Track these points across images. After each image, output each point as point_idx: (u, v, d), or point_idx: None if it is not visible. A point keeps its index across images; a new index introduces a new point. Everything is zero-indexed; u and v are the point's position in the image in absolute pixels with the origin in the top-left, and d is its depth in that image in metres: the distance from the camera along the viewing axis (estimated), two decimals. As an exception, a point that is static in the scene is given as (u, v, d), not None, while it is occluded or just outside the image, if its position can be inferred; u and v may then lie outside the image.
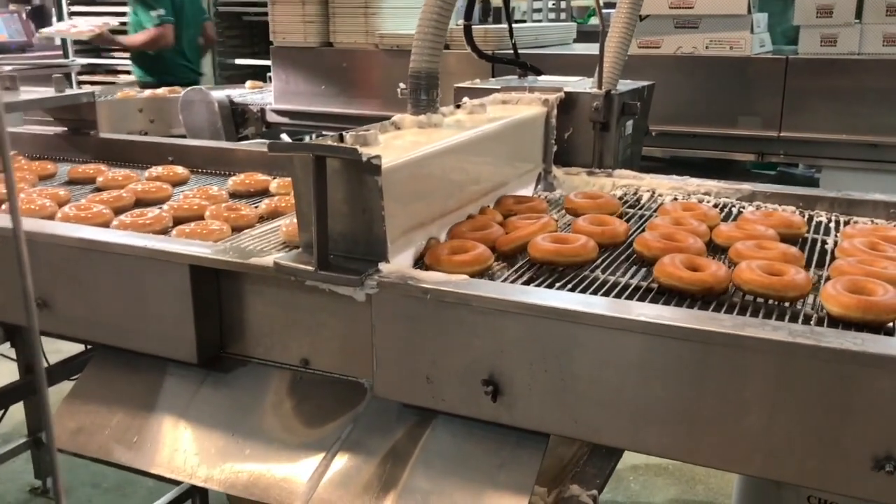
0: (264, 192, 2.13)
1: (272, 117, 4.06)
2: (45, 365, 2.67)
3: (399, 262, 1.42)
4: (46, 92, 2.49)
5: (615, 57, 2.19)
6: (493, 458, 1.31)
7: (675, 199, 1.96)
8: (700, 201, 1.93)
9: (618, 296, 1.37)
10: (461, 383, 1.29)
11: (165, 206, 1.96)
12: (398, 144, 1.59)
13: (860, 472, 1.07)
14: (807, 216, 1.81)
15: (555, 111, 2.12)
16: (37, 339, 0.77)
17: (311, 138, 1.51)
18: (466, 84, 2.36)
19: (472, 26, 2.38)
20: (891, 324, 1.26)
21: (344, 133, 1.49)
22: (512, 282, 1.44)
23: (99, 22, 4.99)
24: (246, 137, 3.94)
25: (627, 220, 1.78)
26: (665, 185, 2.02)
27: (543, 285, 1.42)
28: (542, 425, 1.27)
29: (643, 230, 1.68)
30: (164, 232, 1.78)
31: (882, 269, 1.39)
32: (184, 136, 3.74)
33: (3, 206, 1.88)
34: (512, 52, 2.53)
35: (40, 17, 6.26)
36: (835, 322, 1.28)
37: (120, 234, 1.64)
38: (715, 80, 3.19)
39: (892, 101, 2.91)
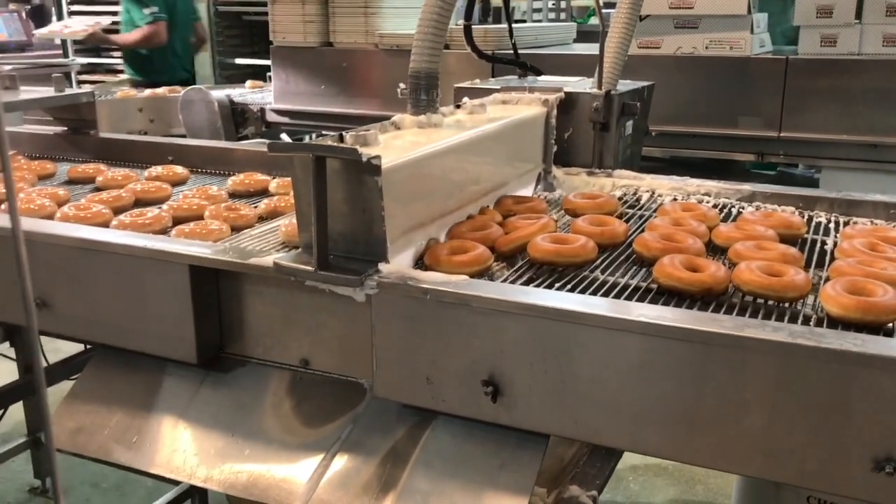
0: (264, 192, 2.13)
1: (272, 117, 4.06)
2: (45, 365, 2.67)
3: (399, 263, 1.42)
4: (46, 91, 2.49)
5: (615, 57, 2.19)
6: (493, 459, 1.31)
7: (675, 199, 1.96)
8: (700, 202, 1.93)
9: (617, 296, 1.37)
10: (461, 384, 1.29)
11: (165, 206, 1.96)
12: (398, 144, 1.59)
13: (860, 473, 1.07)
14: (806, 217, 1.81)
15: (555, 111, 2.11)
16: (35, 339, 0.77)
17: (310, 138, 1.51)
18: (466, 84, 2.36)
19: (472, 26, 2.38)
20: (890, 325, 1.26)
21: (344, 133, 1.49)
22: (511, 282, 1.44)
23: (91, 21, 4.99)
24: (246, 137, 3.94)
25: (627, 221, 1.78)
26: (665, 186, 2.02)
27: (543, 286, 1.42)
28: (542, 426, 1.27)
29: (643, 230, 1.68)
30: (164, 232, 1.78)
31: (881, 270, 1.39)
32: (183, 136, 3.74)
33: (3, 206, 1.88)
34: (512, 52, 2.53)
35: (40, 17, 6.25)
36: (834, 323, 1.28)
37: (119, 234, 1.64)
38: (715, 80, 3.19)
39: (892, 102, 2.91)
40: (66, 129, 2.61)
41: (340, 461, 1.39)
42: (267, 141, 1.43)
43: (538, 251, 1.50)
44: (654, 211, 1.86)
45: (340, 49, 3.90)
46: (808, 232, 1.71)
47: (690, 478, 3.17)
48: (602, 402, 1.20)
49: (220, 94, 3.98)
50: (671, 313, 1.21)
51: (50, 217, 1.84)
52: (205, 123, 3.86)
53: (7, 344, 2.53)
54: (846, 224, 1.77)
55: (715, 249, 1.63)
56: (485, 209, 1.78)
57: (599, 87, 2.16)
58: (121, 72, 5.80)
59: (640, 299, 1.36)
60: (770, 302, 1.36)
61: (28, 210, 1.86)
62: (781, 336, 1.09)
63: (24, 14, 6.17)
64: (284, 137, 3.26)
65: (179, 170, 2.30)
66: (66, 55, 5.66)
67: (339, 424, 1.44)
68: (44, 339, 2.28)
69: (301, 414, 1.49)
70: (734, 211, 1.88)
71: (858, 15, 3.09)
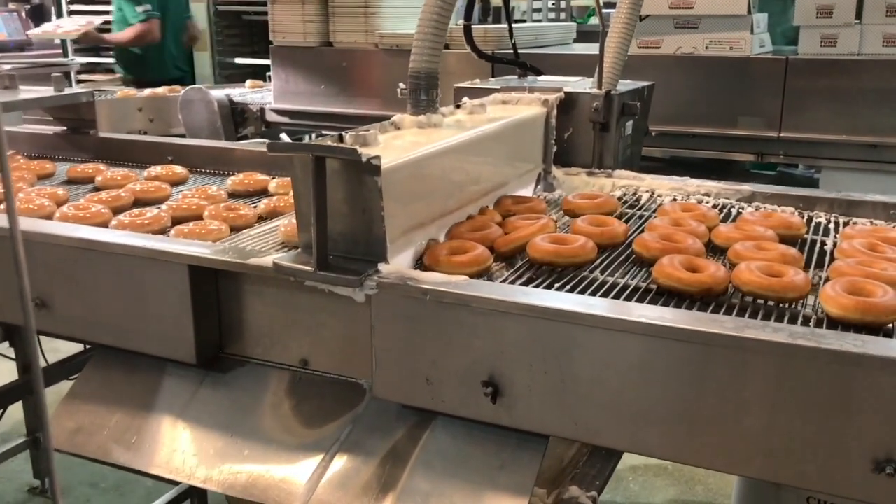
0: (263, 192, 2.13)
1: (272, 117, 4.06)
2: (44, 365, 2.66)
3: (399, 263, 1.41)
4: (45, 91, 2.49)
5: (615, 57, 2.19)
6: (493, 460, 1.31)
7: (675, 199, 1.96)
8: (700, 202, 1.93)
9: (617, 296, 1.37)
10: (461, 384, 1.29)
11: (164, 206, 1.96)
12: (398, 144, 1.59)
13: (860, 474, 1.07)
14: (806, 217, 1.81)
15: (555, 111, 2.11)
16: (33, 340, 0.77)
17: (310, 138, 1.50)
18: (466, 84, 2.36)
19: (472, 26, 2.38)
20: (890, 325, 1.26)
21: (343, 133, 1.48)
22: (511, 282, 1.44)
23: (84, 21, 4.98)
24: (245, 137, 3.94)
25: (626, 221, 1.78)
26: (665, 186, 2.01)
27: (542, 286, 1.42)
28: (542, 427, 1.27)
29: (642, 231, 1.68)
30: (163, 232, 1.78)
31: (881, 271, 1.39)
32: (183, 136, 3.74)
33: (1, 206, 1.87)
34: (512, 52, 2.53)
35: (39, 16, 6.25)
36: (834, 323, 1.27)
37: (119, 234, 1.64)
38: (715, 80, 3.19)
39: (892, 102, 2.91)
40: (65, 128, 2.61)
41: (340, 462, 1.39)
42: (266, 141, 1.43)
43: (538, 251, 1.49)
44: (654, 211, 1.86)
45: (340, 49, 3.90)
46: (807, 232, 1.71)
47: (690, 478, 3.17)
48: (602, 402, 1.20)
49: (219, 93, 3.98)
50: (671, 314, 1.21)
51: (49, 217, 1.84)
52: (204, 123, 3.86)
53: (7, 344, 2.53)
54: (846, 224, 1.77)
55: (714, 250, 1.63)
56: (484, 209, 1.78)
57: (599, 87, 2.15)
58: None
59: (640, 300, 1.36)
60: (769, 302, 1.36)
61: (27, 210, 1.85)
62: (782, 337, 1.09)
63: (23, 13, 6.17)
64: (284, 137, 3.25)
65: (179, 170, 2.30)
66: (65, 55, 5.66)
67: (338, 425, 1.44)
68: (43, 338, 2.27)
69: (300, 414, 1.49)
70: (734, 211, 1.88)
71: (858, 15, 3.09)
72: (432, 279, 1.29)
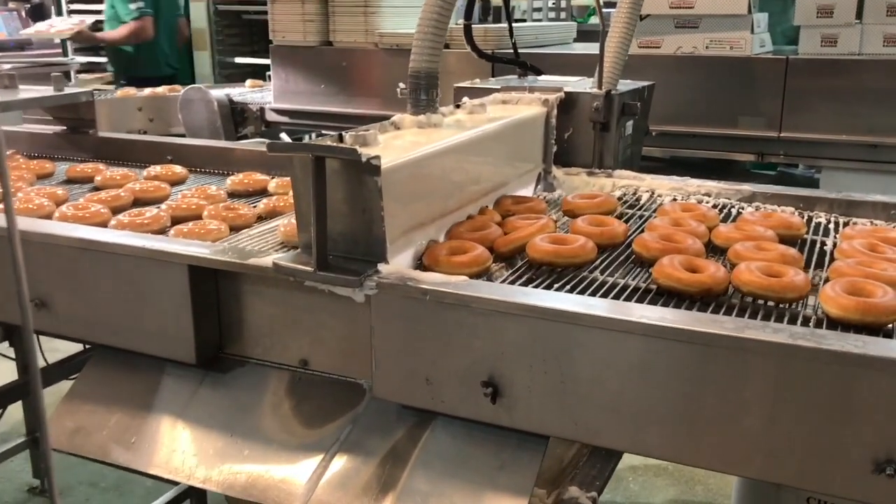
0: (262, 192, 2.12)
1: (271, 116, 4.05)
2: (44, 364, 2.66)
3: (398, 263, 1.41)
4: (45, 90, 2.49)
5: (615, 57, 2.19)
6: (493, 460, 1.30)
7: (675, 199, 1.96)
8: (700, 202, 1.93)
9: (616, 297, 1.37)
10: (461, 385, 1.29)
11: (163, 206, 1.96)
12: (398, 144, 1.59)
13: (860, 475, 1.07)
14: (806, 217, 1.81)
15: (555, 111, 2.11)
16: (31, 340, 0.76)
17: (310, 138, 1.50)
18: (466, 84, 2.36)
19: (472, 25, 2.38)
20: (890, 326, 1.26)
21: (343, 133, 1.48)
22: (511, 283, 1.44)
23: (76, 20, 4.99)
24: (245, 137, 3.94)
25: (626, 221, 1.78)
26: (665, 186, 2.01)
27: (542, 286, 1.41)
28: (542, 427, 1.27)
29: (642, 231, 1.68)
30: (162, 231, 1.78)
31: (881, 271, 1.39)
32: (183, 136, 3.74)
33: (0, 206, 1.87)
34: (512, 51, 2.52)
35: (39, 15, 6.25)
36: (833, 324, 1.27)
37: (119, 234, 1.64)
38: (715, 80, 3.19)
39: (893, 102, 2.91)
40: (65, 128, 2.61)
41: (340, 462, 1.39)
42: (266, 140, 1.42)
43: (537, 251, 1.49)
44: (654, 211, 1.86)
45: (340, 48, 3.90)
46: (807, 232, 1.71)
47: (690, 478, 3.17)
48: (602, 403, 1.20)
49: (219, 93, 3.97)
50: (672, 314, 1.20)
51: (48, 217, 1.84)
52: (204, 123, 3.86)
53: (7, 343, 2.53)
54: (846, 225, 1.77)
55: (714, 250, 1.62)
56: (484, 209, 1.78)
57: (600, 87, 2.15)
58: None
59: (640, 300, 1.36)
60: (769, 303, 1.36)
61: (26, 209, 1.85)
62: (782, 337, 1.09)
63: (23, 13, 6.17)
64: (284, 137, 3.25)
65: (178, 169, 2.30)
66: (65, 54, 5.66)
67: (338, 425, 1.44)
68: (43, 338, 2.27)
69: (300, 414, 1.49)
70: (734, 211, 1.88)
71: (859, 15, 3.08)
72: (432, 279, 1.29)
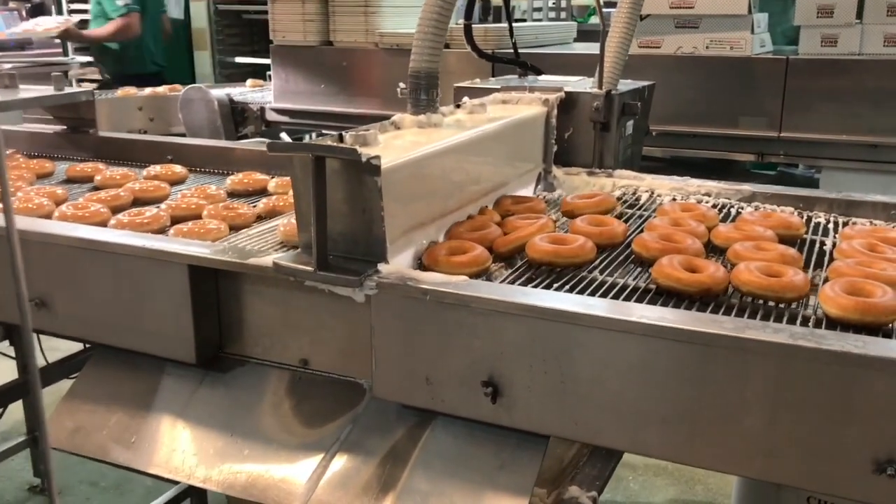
0: (262, 192, 2.12)
1: (272, 116, 4.06)
2: (44, 364, 2.66)
3: (398, 263, 1.41)
4: (45, 90, 2.49)
5: (616, 57, 2.19)
6: (493, 460, 1.30)
7: (674, 199, 1.96)
8: (699, 202, 1.93)
9: (616, 297, 1.37)
10: (461, 384, 1.29)
11: (163, 206, 1.96)
12: (398, 144, 1.59)
13: (861, 475, 1.07)
14: (805, 217, 1.81)
15: (555, 111, 2.11)
16: (30, 339, 0.76)
17: (310, 138, 1.50)
18: (466, 84, 2.35)
19: (473, 25, 2.38)
20: (889, 325, 1.26)
21: (343, 133, 1.48)
22: (510, 283, 1.44)
23: (61, 19, 4.99)
24: (245, 136, 3.94)
25: (626, 221, 1.78)
26: (665, 186, 2.01)
27: (541, 286, 1.41)
28: (542, 427, 1.27)
29: (641, 231, 1.68)
30: (162, 231, 1.78)
31: (880, 271, 1.39)
32: (183, 135, 3.74)
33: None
34: (512, 51, 2.52)
35: (40, 14, 6.25)
36: (833, 324, 1.27)
37: (119, 234, 1.64)
38: (715, 80, 3.19)
39: (893, 102, 2.91)
40: (65, 127, 2.61)
41: (340, 461, 1.39)
42: (266, 140, 1.42)
43: (537, 251, 1.49)
44: (654, 211, 1.86)
45: (340, 48, 3.90)
46: (807, 232, 1.71)
47: (690, 478, 3.17)
48: (602, 403, 1.20)
49: (219, 92, 3.98)
50: (672, 314, 1.20)
51: (48, 216, 1.84)
52: (204, 122, 3.86)
53: (7, 343, 2.53)
54: (845, 224, 1.77)
55: (714, 250, 1.62)
56: (484, 209, 1.78)
57: (600, 87, 2.15)
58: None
59: (639, 300, 1.36)
60: (769, 303, 1.36)
61: (26, 209, 1.85)
62: (782, 338, 1.09)
63: (24, 12, 6.17)
64: (284, 137, 3.25)
65: (178, 169, 2.30)
66: (65, 53, 5.66)
67: (338, 425, 1.44)
68: (43, 337, 2.27)
69: (300, 414, 1.49)
70: (733, 211, 1.88)
71: (859, 15, 3.08)
72: (432, 279, 1.29)
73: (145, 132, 3.68)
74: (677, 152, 3.38)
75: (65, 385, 1.95)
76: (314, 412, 1.48)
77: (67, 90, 2.52)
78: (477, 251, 1.48)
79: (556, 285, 1.42)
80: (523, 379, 1.24)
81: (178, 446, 1.49)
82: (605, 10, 2.23)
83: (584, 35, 4.48)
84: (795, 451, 1.11)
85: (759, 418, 1.11)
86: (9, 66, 4.10)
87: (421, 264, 1.49)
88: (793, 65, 3.04)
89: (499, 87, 2.23)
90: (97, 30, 4.92)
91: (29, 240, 1.60)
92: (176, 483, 2.37)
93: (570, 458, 1.73)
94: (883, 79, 2.93)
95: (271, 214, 1.92)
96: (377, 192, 1.32)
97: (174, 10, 6.04)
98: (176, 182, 2.23)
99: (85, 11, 5.68)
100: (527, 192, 2.03)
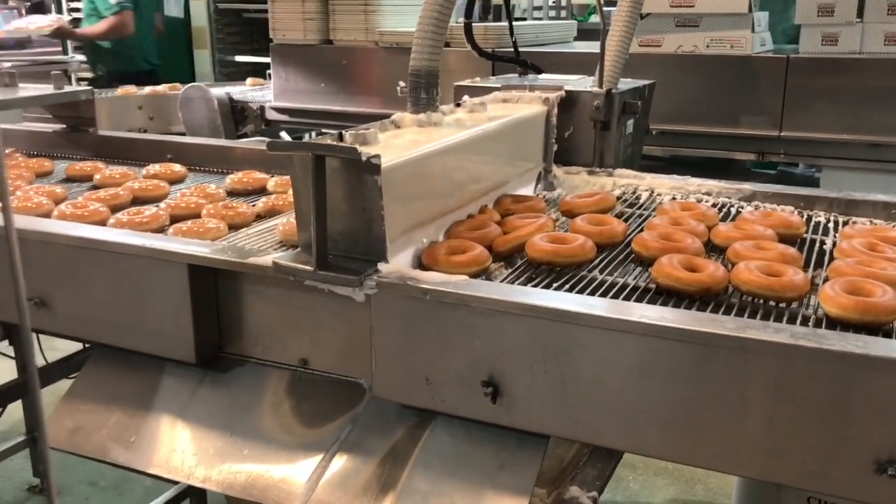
0: (262, 191, 2.12)
1: (271, 115, 4.05)
2: (43, 363, 2.66)
3: (399, 262, 1.41)
4: (45, 89, 2.49)
5: (616, 55, 2.18)
6: (493, 460, 1.30)
7: (674, 198, 1.96)
8: (699, 201, 1.92)
9: (616, 296, 1.37)
10: (461, 384, 1.29)
11: (162, 205, 1.95)
12: (398, 143, 1.58)
13: (862, 475, 1.07)
14: (805, 216, 1.80)
15: (555, 110, 2.11)
16: (29, 338, 0.76)
17: (310, 137, 1.50)
18: (466, 82, 2.35)
19: (473, 24, 2.38)
20: (889, 325, 1.26)
21: (343, 132, 1.48)
22: (510, 282, 1.43)
23: (53, 17, 4.98)
24: (245, 135, 3.93)
25: (626, 220, 1.78)
26: (665, 185, 2.01)
27: (541, 285, 1.41)
28: (542, 427, 1.27)
29: (641, 230, 1.67)
30: (161, 230, 1.78)
31: (881, 270, 1.39)
32: (183, 134, 3.74)
33: None
34: (512, 50, 2.52)
35: (40, 13, 6.25)
36: (833, 323, 1.27)
37: (118, 233, 1.64)
38: (716, 79, 3.19)
39: (894, 101, 2.90)
40: (64, 126, 2.60)
41: (339, 461, 1.39)
42: (266, 139, 1.42)
43: (536, 251, 1.49)
44: (653, 210, 1.86)
45: (340, 47, 3.89)
46: (807, 232, 1.70)
47: (690, 477, 3.17)
48: (602, 403, 1.20)
49: (219, 91, 3.97)
50: (672, 314, 1.20)
51: (47, 215, 1.84)
52: (204, 121, 3.85)
53: (7, 342, 2.53)
54: (845, 224, 1.76)
55: (714, 249, 1.62)
56: (484, 208, 1.77)
57: (600, 86, 2.15)
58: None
59: (639, 299, 1.36)
60: (769, 302, 1.35)
61: (25, 208, 1.85)
62: (783, 337, 1.09)
63: (23, 11, 6.16)
64: (284, 136, 3.24)
65: (177, 168, 2.30)
66: (65, 52, 5.66)
67: (338, 424, 1.44)
68: (42, 337, 2.27)
69: (300, 414, 1.48)
70: (733, 210, 1.88)
71: (860, 14, 3.08)
72: (432, 279, 1.29)
73: (145, 131, 3.68)
74: (677, 151, 3.38)
75: (64, 385, 1.95)
76: (314, 412, 1.47)
77: (67, 89, 2.51)
78: (477, 251, 1.48)
79: (555, 285, 1.41)
80: (523, 379, 1.24)
81: (177, 446, 1.49)
82: (605, 8, 2.23)
83: (584, 34, 4.48)
84: (796, 451, 1.10)
85: (759, 418, 1.11)
86: (8, 64, 4.10)
87: (421, 264, 1.48)
88: (793, 64, 3.04)
89: (499, 85, 2.23)
90: (90, 28, 4.92)
91: (28, 239, 1.60)
92: (175, 483, 2.37)
93: (571, 458, 1.73)
94: (884, 78, 2.93)
95: (271, 213, 1.92)
96: (377, 191, 1.32)
97: (174, 8, 6.04)
98: (175, 181, 2.23)
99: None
100: (527, 191, 2.02)
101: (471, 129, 1.76)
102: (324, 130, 1.69)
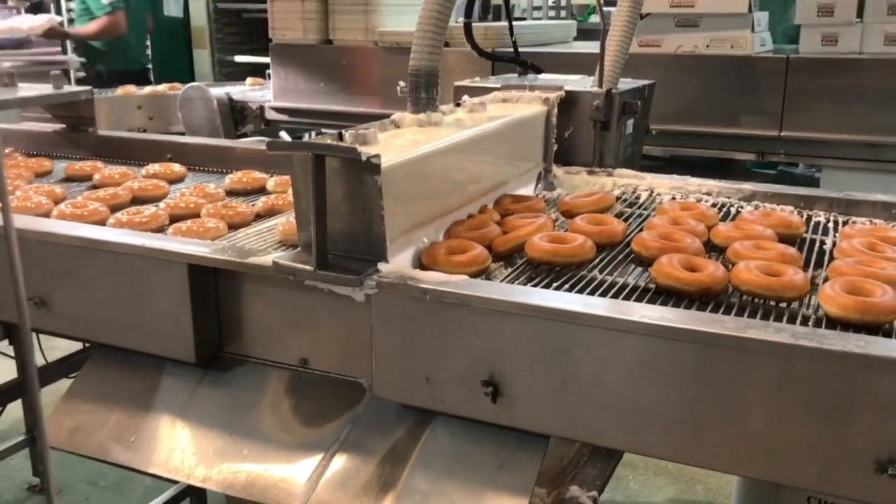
0: (261, 190, 2.12)
1: (271, 115, 4.05)
2: (43, 363, 2.66)
3: (399, 262, 1.41)
4: (44, 88, 2.48)
5: (616, 55, 2.18)
6: (493, 460, 1.30)
7: (674, 198, 1.96)
8: (699, 200, 1.92)
9: (615, 296, 1.37)
10: (461, 384, 1.29)
11: (162, 204, 1.95)
12: (398, 143, 1.58)
13: (862, 475, 1.07)
14: (805, 216, 1.80)
15: (555, 110, 2.11)
16: (28, 338, 0.76)
17: (310, 136, 1.50)
18: (466, 82, 2.35)
19: (472, 24, 2.38)
20: (889, 325, 1.26)
21: (343, 132, 1.48)
22: (510, 282, 1.43)
23: (45, 17, 4.98)
24: (245, 135, 3.93)
25: (625, 220, 1.78)
26: (665, 185, 2.01)
27: (541, 285, 1.41)
28: (543, 427, 1.27)
29: (641, 230, 1.67)
30: (161, 230, 1.77)
31: (880, 270, 1.39)
32: (183, 134, 3.74)
33: None
34: (512, 50, 2.52)
35: (39, 13, 6.24)
36: (833, 323, 1.27)
37: (118, 233, 1.63)
38: (716, 79, 3.19)
39: (894, 101, 2.91)
40: (64, 126, 2.60)
41: (339, 461, 1.39)
42: (266, 139, 1.42)
43: (536, 251, 1.49)
44: (653, 210, 1.85)
45: (340, 46, 3.89)
46: (807, 231, 1.70)
47: (690, 477, 3.17)
48: (602, 402, 1.20)
49: (219, 91, 3.97)
50: (672, 314, 1.20)
51: (46, 215, 1.84)
52: (203, 121, 3.85)
53: (7, 342, 2.52)
54: (845, 223, 1.76)
55: (713, 249, 1.62)
56: (484, 208, 1.77)
57: (600, 86, 2.15)
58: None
59: (638, 299, 1.36)
60: (769, 302, 1.35)
61: (24, 208, 1.85)
62: (784, 337, 1.09)
63: (23, 10, 6.15)
64: (283, 135, 3.24)
65: (177, 167, 2.30)
66: (64, 52, 5.65)
67: (338, 424, 1.44)
68: (42, 337, 2.27)
69: (300, 414, 1.48)
70: (733, 210, 1.87)
71: (860, 14, 3.08)
72: (432, 279, 1.29)
73: (144, 131, 3.68)
74: (677, 151, 3.38)
75: (64, 384, 1.95)
76: (314, 412, 1.47)
77: (67, 89, 2.51)
78: (476, 250, 1.48)
79: (555, 284, 1.41)
80: (524, 378, 1.24)
81: (177, 446, 1.49)
82: (605, 8, 2.23)
83: (584, 34, 4.48)
84: (796, 451, 1.10)
85: (759, 418, 1.11)
86: (8, 64, 4.10)
87: (420, 264, 1.48)
88: (793, 64, 3.04)
89: (499, 85, 2.23)
90: (83, 28, 4.92)
91: (27, 238, 1.60)
92: (175, 482, 2.36)
93: (571, 458, 1.73)
94: (883, 78, 2.93)
95: (270, 213, 1.92)
96: (377, 190, 1.32)
97: (173, 8, 6.04)
98: (175, 181, 2.23)
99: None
100: (527, 191, 2.02)
101: (471, 128, 1.76)
102: (323, 130, 1.69)
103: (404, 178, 1.46)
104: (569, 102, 2.13)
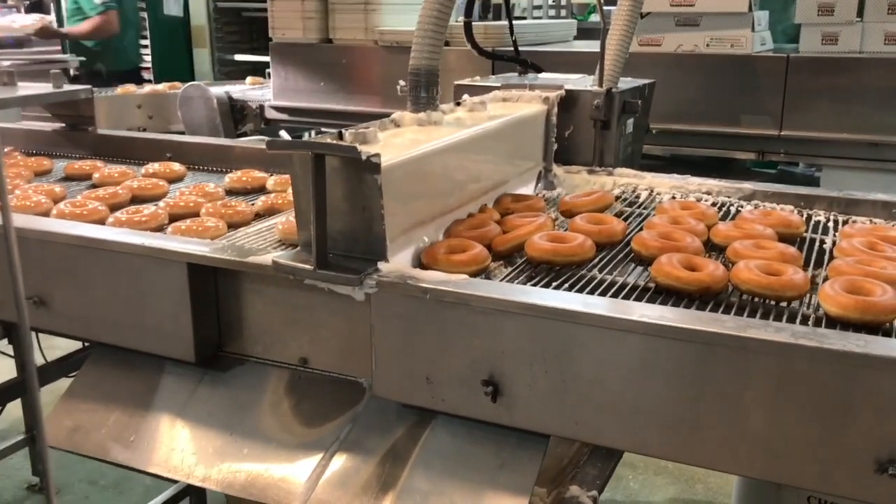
0: (261, 190, 2.12)
1: (271, 114, 4.05)
2: (42, 362, 2.66)
3: (399, 261, 1.41)
4: (44, 87, 2.48)
5: (616, 54, 2.18)
6: (493, 459, 1.30)
7: (674, 197, 1.96)
8: (699, 200, 1.92)
9: (615, 295, 1.36)
10: (461, 383, 1.28)
11: (161, 203, 1.95)
12: (398, 142, 1.58)
13: (862, 474, 1.07)
14: (805, 215, 1.80)
15: (555, 109, 2.11)
16: (27, 337, 0.76)
17: (310, 136, 1.50)
18: (466, 81, 2.35)
19: (473, 23, 2.38)
20: (889, 324, 1.25)
21: (343, 131, 1.48)
22: (510, 281, 1.43)
23: (37, 17, 4.99)
24: (245, 134, 3.93)
25: (625, 219, 1.77)
26: (665, 184, 2.01)
27: (541, 285, 1.41)
28: (543, 426, 1.27)
29: (641, 229, 1.67)
30: (160, 229, 1.77)
31: (880, 270, 1.39)
32: (182, 133, 3.74)
33: None
34: (512, 49, 2.52)
35: (39, 12, 6.24)
36: (833, 322, 1.27)
37: (117, 232, 1.63)
38: (716, 78, 3.19)
39: (894, 101, 2.91)
40: (63, 125, 2.60)
41: (339, 461, 1.38)
42: (266, 138, 1.42)
43: (536, 250, 1.49)
44: (653, 209, 1.85)
45: (340, 45, 3.89)
46: (807, 231, 1.70)
47: (690, 477, 3.17)
48: (603, 402, 1.20)
49: (218, 90, 3.97)
50: (672, 313, 1.20)
51: (46, 214, 1.83)
52: (203, 120, 3.85)
53: (6, 341, 2.52)
54: (845, 223, 1.76)
55: (713, 248, 1.62)
56: (484, 207, 1.77)
57: (600, 85, 2.15)
58: None
59: (638, 298, 1.36)
60: (768, 301, 1.35)
61: (24, 207, 1.85)
62: (784, 337, 1.09)
63: (22, 10, 6.15)
64: (283, 135, 3.25)
65: (176, 167, 2.29)
66: (64, 51, 5.65)
67: (338, 424, 1.44)
68: (42, 336, 2.27)
69: (300, 413, 1.48)
70: (733, 209, 1.87)
71: (860, 13, 3.08)
72: (432, 278, 1.29)
73: (144, 130, 3.68)
74: (678, 150, 3.38)
75: (64, 384, 1.95)
76: (314, 411, 1.47)
77: (66, 88, 2.51)
78: (476, 250, 1.48)
79: (555, 284, 1.41)
80: (524, 378, 1.24)
81: (177, 445, 1.49)
82: (605, 7, 2.23)
83: (584, 33, 4.48)
84: (796, 451, 1.10)
85: (759, 418, 1.11)
86: (7, 63, 4.09)
87: (420, 263, 1.48)
88: (793, 63, 3.04)
89: (499, 84, 2.23)
90: (75, 27, 4.92)
91: (27, 237, 1.59)
92: (175, 482, 2.36)
93: (571, 458, 1.72)
94: (884, 77, 2.93)
95: (270, 212, 1.92)
96: (377, 190, 1.32)
97: (173, 7, 6.03)
98: (174, 180, 2.23)
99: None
100: (527, 190, 2.02)
101: (471, 128, 1.76)
102: (323, 129, 1.69)
103: (404, 177, 1.46)
104: (569, 101, 2.13)
